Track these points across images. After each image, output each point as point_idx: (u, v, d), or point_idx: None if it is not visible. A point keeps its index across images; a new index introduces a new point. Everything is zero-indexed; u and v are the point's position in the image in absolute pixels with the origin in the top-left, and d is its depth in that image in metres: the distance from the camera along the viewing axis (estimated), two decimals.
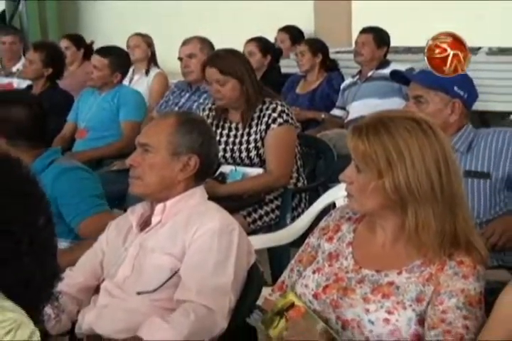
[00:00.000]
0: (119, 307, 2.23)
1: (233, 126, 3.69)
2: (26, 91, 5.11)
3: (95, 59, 4.76)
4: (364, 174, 1.89)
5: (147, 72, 6.06)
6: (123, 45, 5.70)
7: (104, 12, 9.10)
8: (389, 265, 1.93)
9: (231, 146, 3.66)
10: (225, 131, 3.70)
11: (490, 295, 1.88)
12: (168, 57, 5.55)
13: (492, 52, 6.06)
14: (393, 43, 5.62)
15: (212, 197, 2.45)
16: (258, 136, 3.59)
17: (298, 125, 3.73)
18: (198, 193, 2.36)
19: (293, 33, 6.73)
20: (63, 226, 2.74)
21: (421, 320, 1.86)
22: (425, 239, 1.87)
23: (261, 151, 3.60)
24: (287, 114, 3.58)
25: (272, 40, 6.48)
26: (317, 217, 3.24)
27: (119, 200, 3.67)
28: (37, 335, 1.34)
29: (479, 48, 5.94)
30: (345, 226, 2.07)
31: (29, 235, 1.37)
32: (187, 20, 8.01)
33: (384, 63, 5.42)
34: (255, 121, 3.62)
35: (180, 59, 4.73)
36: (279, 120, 3.56)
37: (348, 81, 5.56)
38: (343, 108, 5.46)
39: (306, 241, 2.15)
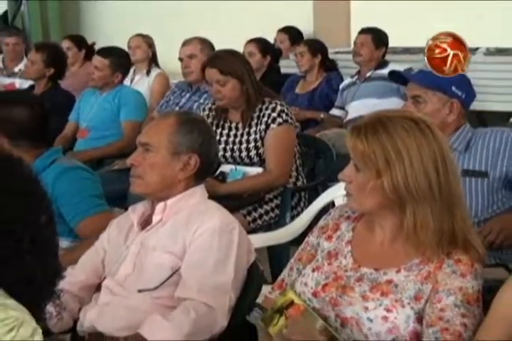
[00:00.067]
0: (121, 305, 2.24)
1: (233, 125, 3.70)
2: (28, 91, 5.10)
3: (96, 59, 4.78)
4: (363, 173, 1.90)
5: (148, 73, 6.06)
6: (124, 45, 5.70)
7: (105, 12, 9.09)
8: (387, 263, 1.94)
9: (231, 146, 3.66)
10: (225, 131, 3.71)
11: (488, 293, 1.88)
12: (169, 57, 5.55)
13: (490, 52, 6.05)
14: (392, 44, 5.62)
15: (213, 196, 2.46)
16: (258, 136, 3.60)
17: (297, 125, 3.74)
18: (199, 192, 2.37)
19: (292, 34, 6.73)
20: (64, 226, 2.74)
21: (419, 318, 1.87)
22: (423, 237, 1.88)
23: (261, 151, 3.61)
24: (287, 114, 3.59)
25: (271, 40, 6.49)
26: (316, 216, 3.24)
27: (120, 199, 3.66)
28: (39, 333, 1.35)
29: (477, 49, 5.92)
30: (344, 225, 2.07)
31: (31, 234, 1.37)
32: (188, 21, 7.99)
33: (382, 63, 5.42)
34: (255, 120, 3.62)
35: (180, 59, 4.73)
36: (279, 120, 3.56)
37: (347, 81, 5.56)
38: (342, 108, 5.46)
39: (306, 239, 2.15)
